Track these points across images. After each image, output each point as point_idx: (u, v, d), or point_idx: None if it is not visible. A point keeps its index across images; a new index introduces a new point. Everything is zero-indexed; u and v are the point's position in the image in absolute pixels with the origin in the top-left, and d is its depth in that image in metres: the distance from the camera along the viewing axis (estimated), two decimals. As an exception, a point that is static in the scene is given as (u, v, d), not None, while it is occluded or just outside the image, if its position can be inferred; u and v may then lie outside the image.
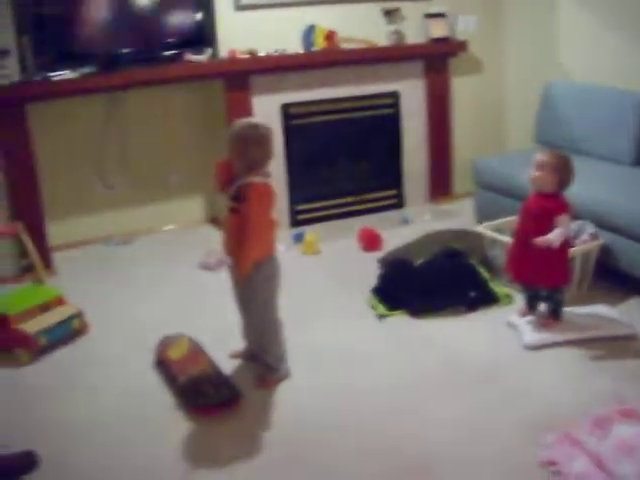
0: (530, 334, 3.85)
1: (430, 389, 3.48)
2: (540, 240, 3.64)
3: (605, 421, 3.02)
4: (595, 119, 5.13)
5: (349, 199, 5.98)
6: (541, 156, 3.72)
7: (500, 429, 3.13)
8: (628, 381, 3.44)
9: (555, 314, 3.90)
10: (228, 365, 3.68)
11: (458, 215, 5.87)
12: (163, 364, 3.65)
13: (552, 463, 2.86)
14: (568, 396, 3.33)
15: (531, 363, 3.66)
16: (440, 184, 6.27)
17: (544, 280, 3.84)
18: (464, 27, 5.94)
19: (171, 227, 5.89)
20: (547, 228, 3.68)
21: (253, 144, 3.28)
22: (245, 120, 3.42)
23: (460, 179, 6.31)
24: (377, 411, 3.32)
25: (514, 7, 6.15)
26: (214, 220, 5.87)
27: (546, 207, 3.70)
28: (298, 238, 5.34)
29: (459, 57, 6.03)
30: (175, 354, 3.64)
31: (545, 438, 2.99)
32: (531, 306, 4.01)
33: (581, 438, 2.94)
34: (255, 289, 3.42)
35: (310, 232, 5.38)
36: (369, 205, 6.05)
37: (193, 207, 5.95)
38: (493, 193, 5.26)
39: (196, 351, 3.68)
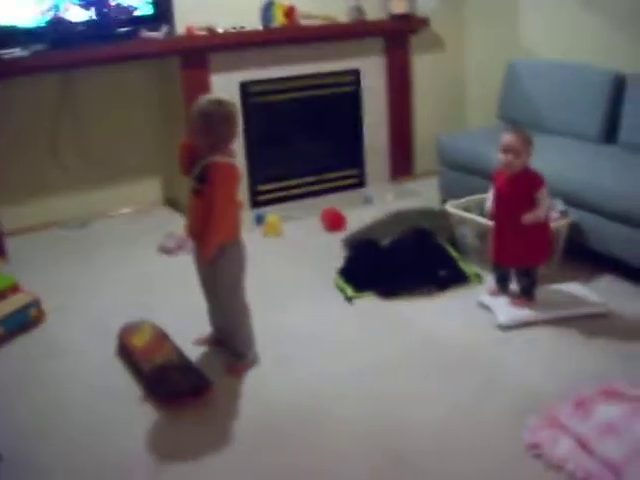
0: (504, 314, 3.78)
1: (406, 373, 3.38)
2: (529, 217, 3.59)
3: (587, 402, 2.96)
4: (561, 96, 5.07)
5: (310, 179, 5.87)
6: (506, 139, 3.65)
7: (483, 413, 3.05)
8: (606, 359, 3.39)
9: (529, 293, 3.85)
10: (194, 352, 3.56)
11: (421, 194, 5.79)
12: (126, 352, 3.51)
13: (536, 446, 2.80)
14: (548, 377, 3.27)
15: (507, 344, 3.59)
16: (402, 163, 6.19)
17: (530, 260, 3.78)
18: (425, 3, 5.84)
19: (128, 210, 5.72)
20: (526, 207, 3.63)
21: (218, 122, 3.13)
22: (209, 96, 3.26)
23: (422, 157, 6.24)
24: (350, 397, 3.22)
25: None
26: (171, 202, 5.72)
27: (522, 187, 3.64)
28: (259, 220, 5.22)
29: (420, 34, 5.94)
30: (138, 341, 3.51)
31: (529, 421, 2.93)
32: (502, 286, 3.94)
33: (564, 420, 2.89)
34: (221, 273, 3.30)
35: (271, 213, 5.27)
36: (330, 184, 5.94)
37: (150, 189, 5.78)
38: (457, 171, 5.19)
39: (160, 337, 3.55)
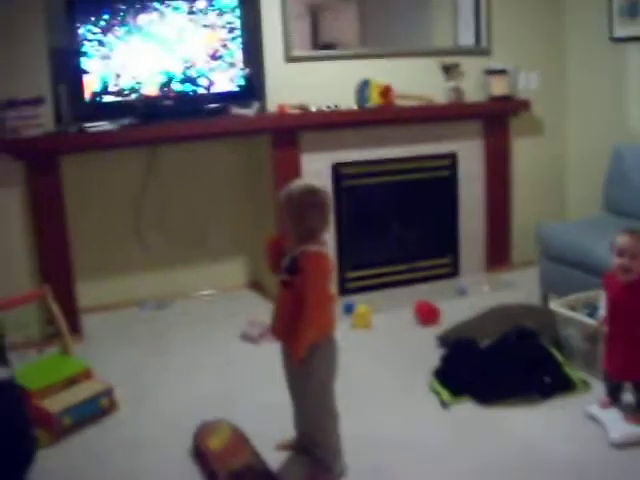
0: (617, 429, 3.36)
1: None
2: None
3: None
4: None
5: (401, 267, 5.56)
6: (622, 240, 3.29)
7: None
8: None
9: (641, 407, 3.44)
10: (274, 457, 3.23)
11: (519, 286, 5.42)
12: (201, 455, 3.20)
13: None
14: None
15: (621, 464, 3.16)
16: (498, 252, 5.84)
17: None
18: (526, 84, 5.56)
19: (209, 292, 5.49)
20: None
21: (311, 211, 2.90)
22: (301, 183, 3.01)
23: (519, 247, 5.90)
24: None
25: (579, 62, 5.77)
26: (256, 285, 5.48)
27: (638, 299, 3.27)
28: (349, 309, 4.91)
29: (520, 117, 5.64)
30: (214, 444, 3.20)
31: None
32: (614, 397, 3.52)
33: None
34: (310, 374, 3.00)
35: (361, 303, 4.95)
36: (422, 273, 5.62)
37: (233, 271, 5.55)
38: (559, 264, 4.80)
39: (238, 440, 3.24)
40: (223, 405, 3.67)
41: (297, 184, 2.98)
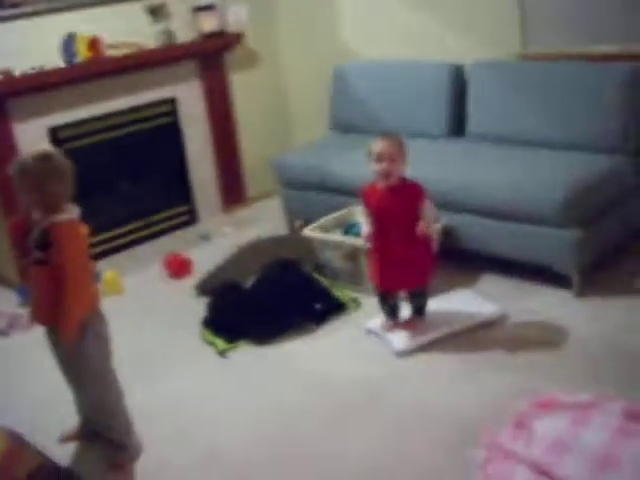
0: (398, 339, 3.45)
1: (313, 427, 2.98)
2: (422, 228, 3.27)
3: (525, 419, 2.72)
4: (399, 95, 4.81)
5: (138, 223, 5.31)
6: (378, 145, 3.28)
7: (417, 457, 2.70)
8: (522, 368, 3.16)
9: (421, 312, 3.54)
10: (62, 451, 2.98)
11: (261, 220, 5.38)
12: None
13: (493, 485, 2.48)
14: (470, 401, 2.98)
15: (411, 372, 3.27)
16: (233, 190, 5.76)
17: (418, 279, 3.46)
18: (236, 18, 5.43)
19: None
20: (409, 222, 3.30)
21: (50, 178, 2.66)
22: (33, 152, 2.72)
23: (253, 181, 5.86)
24: (263, 464, 2.79)
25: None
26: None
27: (403, 200, 3.31)
28: (96, 277, 4.59)
29: (235, 51, 5.53)
30: (-10, 456, 2.87)
31: (475, 456, 2.60)
32: (394, 316, 3.59)
33: (511, 446, 2.60)
34: (84, 355, 2.76)
35: (107, 269, 4.68)
36: (161, 226, 5.41)
37: None
38: (300, 190, 4.81)
39: (17, 444, 2.92)
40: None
41: (28, 154, 2.70)
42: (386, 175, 3.27)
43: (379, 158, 3.26)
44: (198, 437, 3.00)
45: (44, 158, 2.67)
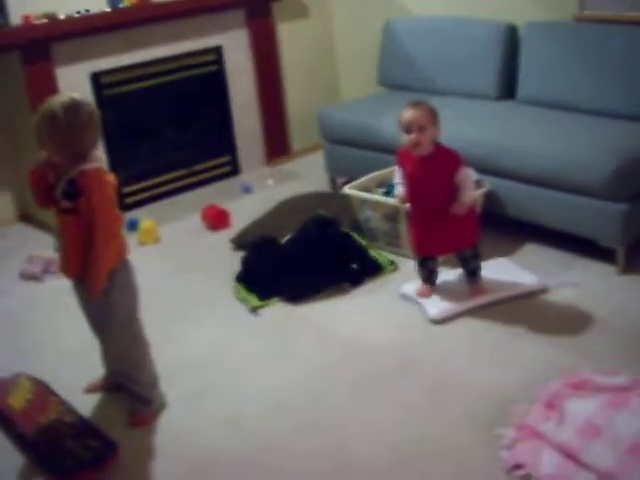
0: (433, 306, 3.37)
1: (342, 391, 2.92)
2: (460, 208, 3.20)
3: (557, 399, 2.62)
4: (448, 54, 4.66)
5: (179, 172, 5.27)
6: (407, 115, 3.16)
7: (445, 432, 2.63)
8: (561, 344, 3.06)
9: (474, 275, 3.44)
10: (88, 403, 2.97)
11: (304, 175, 5.30)
12: (4, 417, 2.86)
13: (519, 466, 2.40)
14: (504, 376, 2.89)
15: (446, 341, 3.18)
16: (277, 143, 5.68)
17: (464, 242, 3.36)
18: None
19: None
20: (447, 192, 3.21)
21: (81, 128, 2.58)
22: (61, 98, 2.62)
23: (297, 135, 5.77)
24: (286, 429, 2.74)
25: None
26: (28, 218, 4.97)
27: (438, 171, 3.21)
28: (132, 226, 4.57)
29: (283, 1, 5.40)
30: (16, 402, 2.86)
31: (502, 436, 2.53)
32: (432, 281, 3.50)
33: (540, 427, 2.51)
34: (112, 305, 2.72)
35: (145, 217, 4.65)
36: (203, 176, 5.36)
37: (2, 205, 5.00)
38: (344, 145, 4.70)
39: (42, 393, 2.93)
40: (16, 359, 3.31)
41: (57, 100, 2.60)
42: (415, 145, 3.17)
43: (408, 128, 3.16)
44: (221, 398, 2.96)
45: (74, 107, 2.58)
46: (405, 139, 3.19)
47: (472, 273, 3.43)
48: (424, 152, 3.19)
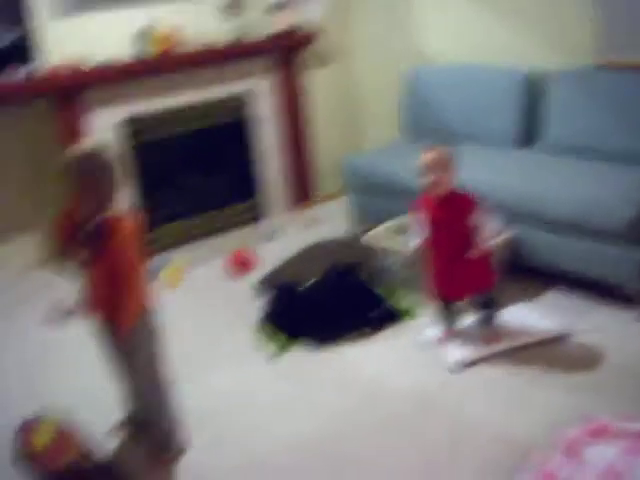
0: (453, 352, 3.38)
1: (361, 435, 2.93)
2: (478, 251, 3.24)
3: (576, 445, 2.60)
4: (470, 102, 4.73)
5: (203, 218, 5.33)
6: (425, 157, 3.25)
7: (461, 472, 2.62)
8: (580, 389, 3.06)
9: (491, 321, 3.46)
10: (107, 444, 2.99)
11: (327, 221, 5.33)
12: (27, 458, 2.88)
13: (538, 512, 2.40)
14: (522, 422, 2.89)
15: (465, 387, 3.19)
16: (301, 189, 5.74)
17: (481, 287, 3.39)
18: (311, 15, 5.39)
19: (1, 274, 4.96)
20: (464, 232, 3.25)
21: (101, 175, 2.63)
22: (81, 147, 2.70)
23: (321, 181, 5.83)
24: (306, 471, 2.75)
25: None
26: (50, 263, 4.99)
27: (454, 212, 3.26)
28: (157, 268, 4.59)
29: (309, 49, 5.51)
30: (40, 441, 2.87)
31: (521, 481, 2.53)
32: (452, 326, 3.52)
33: (559, 474, 2.50)
34: (135, 347, 2.77)
35: (170, 261, 4.70)
36: (228, 221, 5.41)
37: (25, 250, 5.05)
38: (367, 194, 4.76)
39: (65, 433, 2.93)
40: (40, 400, 3.32)
41: (79, 148, 2.68)
42: (436, 185, 3.22)
43: (426, 170, 3.22)
44: (242, 442, 2.97)
45: (95, 153, 2.65)
46: (424, 181, 3.24)
47: (486, 320, 3.44)
48: (443, 192, 3.24)
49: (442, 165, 3.22)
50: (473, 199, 3.27)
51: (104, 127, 4.63)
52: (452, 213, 3.25)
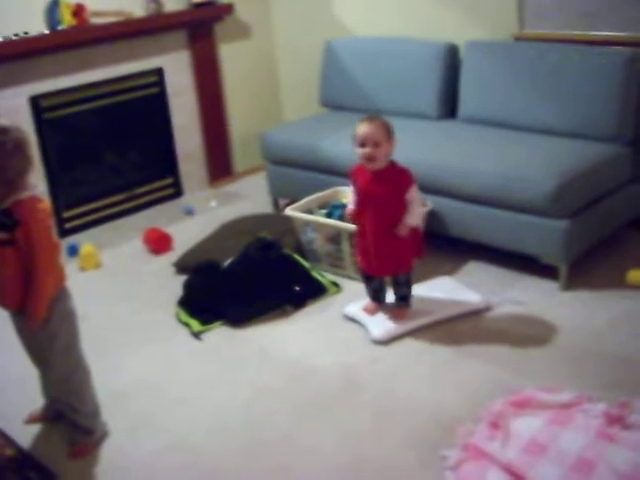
0: (378, 327, 3.36)
1: (286, 414, 2.89)
2: (404, 229, 3.19)
3: (501, 418, 2.62)
4: (390, 74, 4.68)
5: (121, 196, 5.18)
6: (362, 129, 3.16)
7: (390, 454, 2.61)
8: (504, 361, 3.08)
9: (406, 299, 3.44)
10: (27, 435, 2.88)
11: (247, 197, 5.28)
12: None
13: (464, 487, 2.40)
14: (447, 395, 2.89)
15: (388, 361, 3.17)
16: (220, 165, 5.65)
17: (396, 268, 3.36)
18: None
19: None
20: (397, 208, 3.21)
21: (9, 154, 2.50)
22: None
23: (240, 156, 5.75)
24: (229, 454, 2.70)
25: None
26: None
27: (389, 186, 3.19)
28: (72, 251, 4.50)
29: (225, 21, 5.38)
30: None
31: (447, 457, 2.52)
32: (378, 300, 3.50)
33: (484, 447, 2.51)
34: (52, 334, 2.66)
35: (86, 242, 4.57)
36: (144, 199, 5.29)
37: None
38: (287, 167, 4.69)
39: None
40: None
41: None
42: (370, 159, 3.16)
43: (362, 142, 3.15)
44: (164, 424, 2.91)
45: (1, 133, 2.52)
46: (359, 153, 3.18)
47: (403, 298, 3.44)
48: (378, 167, 3.18)
49: (380, 138, 3.13)
50: (410, 174, 3.21)
51: (14, 104, 4.44)
52: (387, 188, 3.18)
